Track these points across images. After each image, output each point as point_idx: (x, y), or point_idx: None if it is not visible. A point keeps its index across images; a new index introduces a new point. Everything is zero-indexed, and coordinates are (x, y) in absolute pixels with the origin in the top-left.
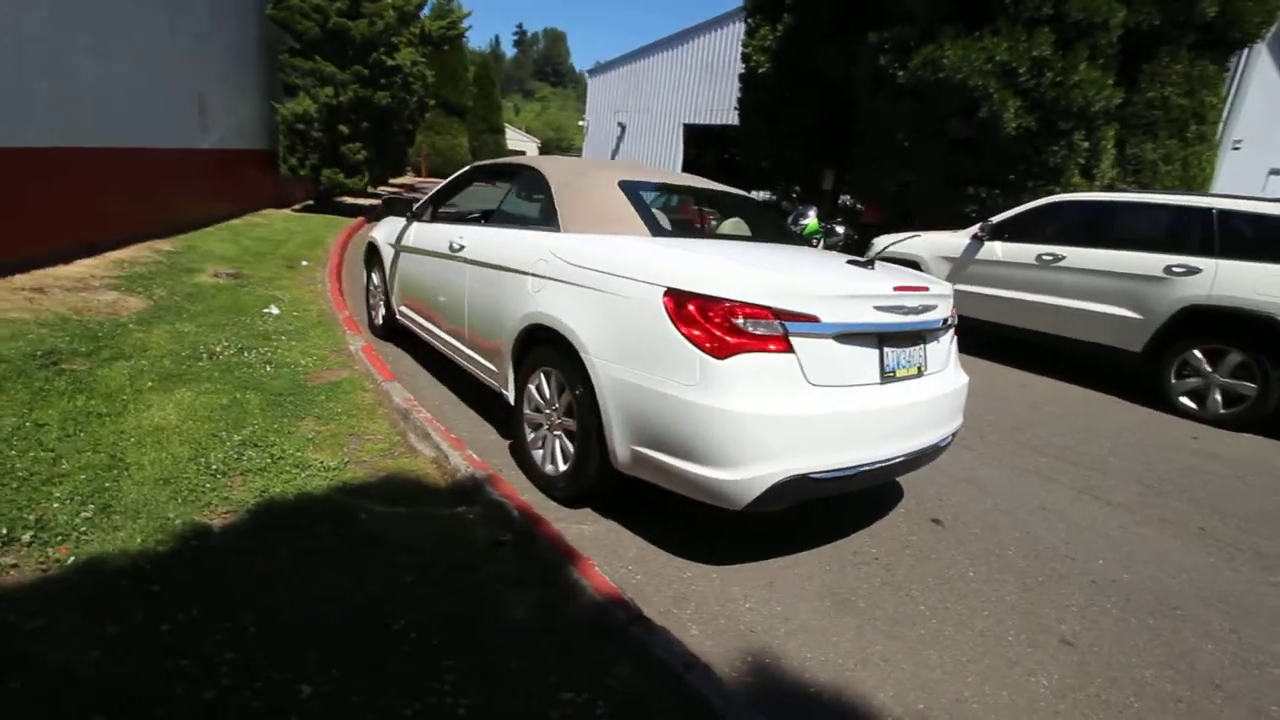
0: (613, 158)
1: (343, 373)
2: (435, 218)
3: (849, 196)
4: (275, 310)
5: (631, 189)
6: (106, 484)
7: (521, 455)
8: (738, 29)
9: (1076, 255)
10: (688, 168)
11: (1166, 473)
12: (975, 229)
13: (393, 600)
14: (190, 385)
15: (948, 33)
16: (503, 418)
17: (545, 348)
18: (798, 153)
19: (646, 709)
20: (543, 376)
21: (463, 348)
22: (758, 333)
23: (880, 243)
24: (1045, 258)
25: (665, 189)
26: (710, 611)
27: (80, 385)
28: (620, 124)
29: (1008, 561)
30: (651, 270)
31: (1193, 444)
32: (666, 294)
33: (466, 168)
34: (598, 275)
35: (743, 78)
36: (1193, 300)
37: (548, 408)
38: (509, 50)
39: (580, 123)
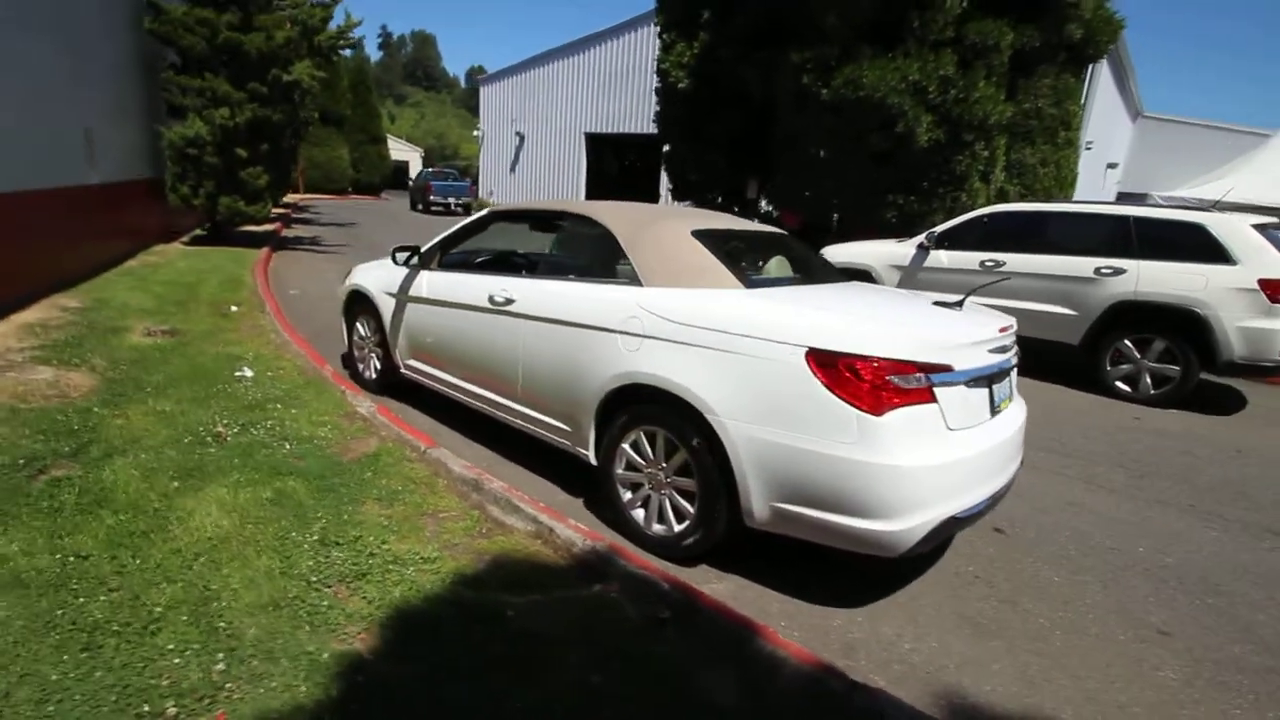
0: (512, 169)
1: (371, 442)
2: (451, 266)
3: (770, 204)
4: (248, 372)
5: (708, 239)
6: (215, 623)
7: (617, 516)
8: (638, 38)
9: (1016, 260)
10: (591, 177)
11: (1137, 454)
12: (921, 238)
13: (597, 707)
14: (217, 479)
15: (865, 53)
16: (568, 474)
17: (647, 406)
18: (722, 164)
19: None
20: (643, 436)
21: (515, 405)
22: (909, 387)
23: (831, 252)
24: (987, 263)
25: (730, 235)
26: (880, 659)
27: (93, 496)
28: (519, 134)
29: (1076, 561)
30: (787, 329)
31: (1140, 424)
32: (809, 354)
33: (484, 212)
34: (718, 335)
35: (661, 92)
36: (1121, 297)
37: (651, 467)
38: (374, 53)
39: (475, 132)
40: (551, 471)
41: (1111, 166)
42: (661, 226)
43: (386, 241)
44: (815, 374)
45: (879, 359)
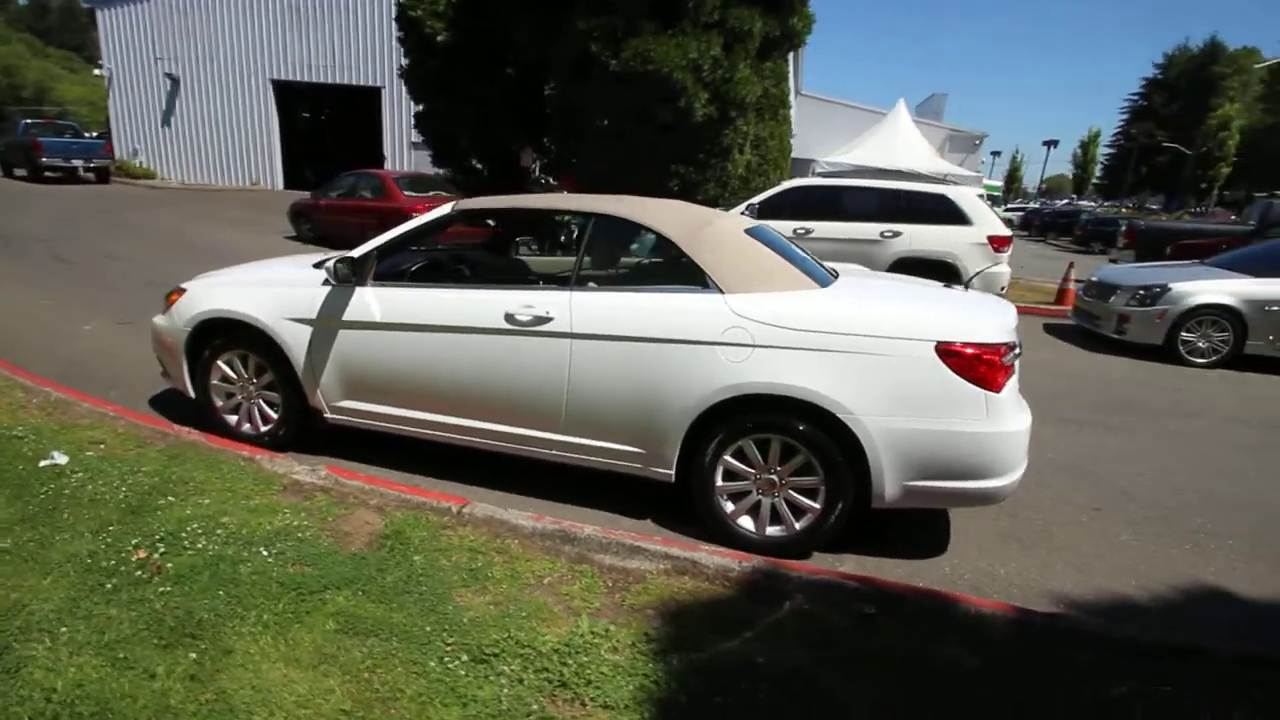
0: (165, 121)
1: (368, 517)
2: (409, 280)
3: (546, 172)
4: (61, 459)
5: (765, 238)
6: None
7: (717, 527)
8: None
9: (821, 227)
10: (289, 134)
11: (1064, 390)
12: (744, 209)
13: (899, 709)
14: (233, 629)
15: (649, 28)
16: (616, 499)
17: (756, 415)
18: (493, 128)
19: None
20: (751, 445)
21: (553, 437)
22: (1009, 364)
23: None
24: (799, 231)
25: (756, 231)
26: (1005, 586)
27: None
28: (170, 76)
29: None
30: (914, 328)
31: None
32: (937, 346)
33: (445, 209)
34: (840, 338)
35: (408, 43)
36: (901, 254)
37: (762, 473)
38: None
39: (96, 71)
40: (598, 499)
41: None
42: (717, 228)
43: (25, 231)
44: (945, 364)
45: (995, 344)
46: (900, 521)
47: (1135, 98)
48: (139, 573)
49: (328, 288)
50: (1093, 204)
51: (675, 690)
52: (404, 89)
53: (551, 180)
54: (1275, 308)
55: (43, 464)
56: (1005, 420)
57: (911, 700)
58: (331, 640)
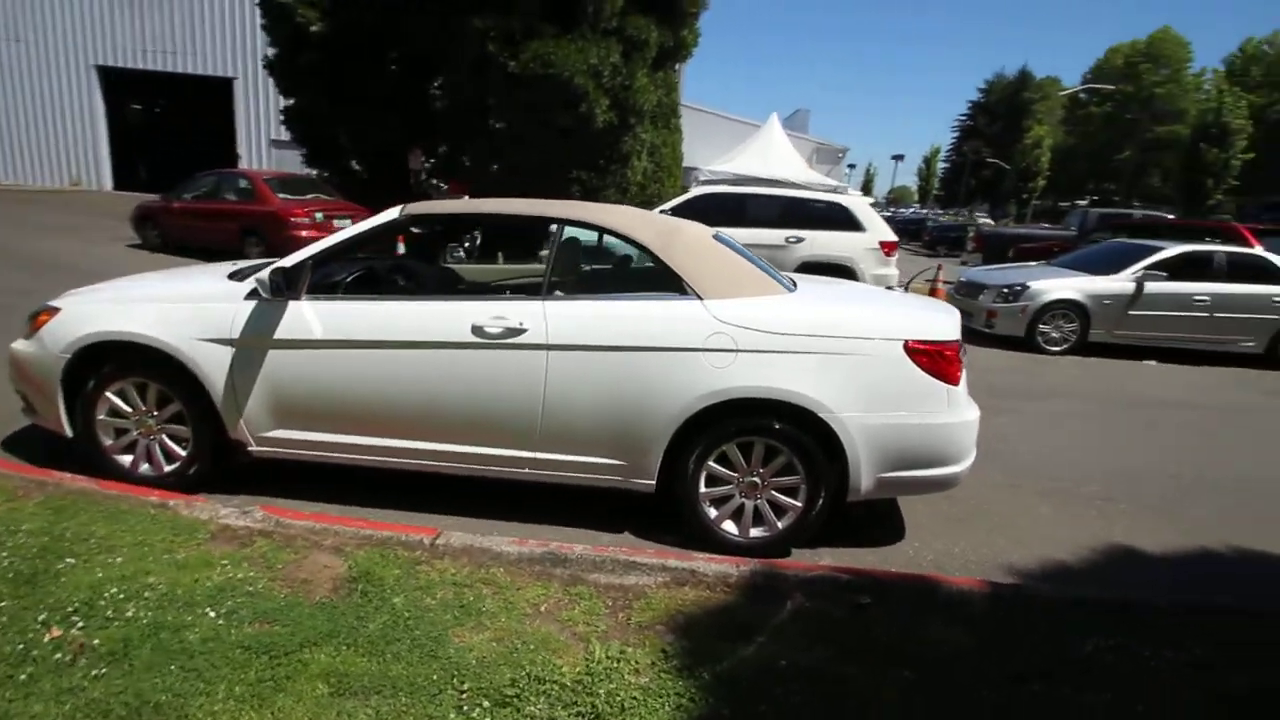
0: None
1: (326, 561)
2: (350, 292)
3: (434, 176)
4: None
5: (730, 245)
6: None
7: (703, 533)
8: None
9: (729, 234)
10: (115, 125)
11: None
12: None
13: (915, 692)
14: (208, 707)
15: (548, 31)
16: (587, 514)
17: (738, 419)
18: (377, 128)
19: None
20: (735, 449)
21: (525, 454)
22: (962, 359)
23: None
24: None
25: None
26: (964, 563)
27: None
28: None
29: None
30: (885, 328)
31: None
32: (905, 345)
33: (392, 214)
34: (819, 340)
35: (275, 31)
36: (804, 258)
37: (745, 476)
38: None
39: None
40: (545, 515)
41: None
42: (689, 234)
43: None
44: (913, 360)
45: (952, 341)
46: (861, 513)
47: (964, 118)
48: (58, 655)
49: (253, 302)
50: (927, 212)
51: (713, 705)
52: (260, 81)
53: (442, 185)
54: (1109, 301)
55: None
56: (962, 410)
57: (927, 682)
58: (328, 705)
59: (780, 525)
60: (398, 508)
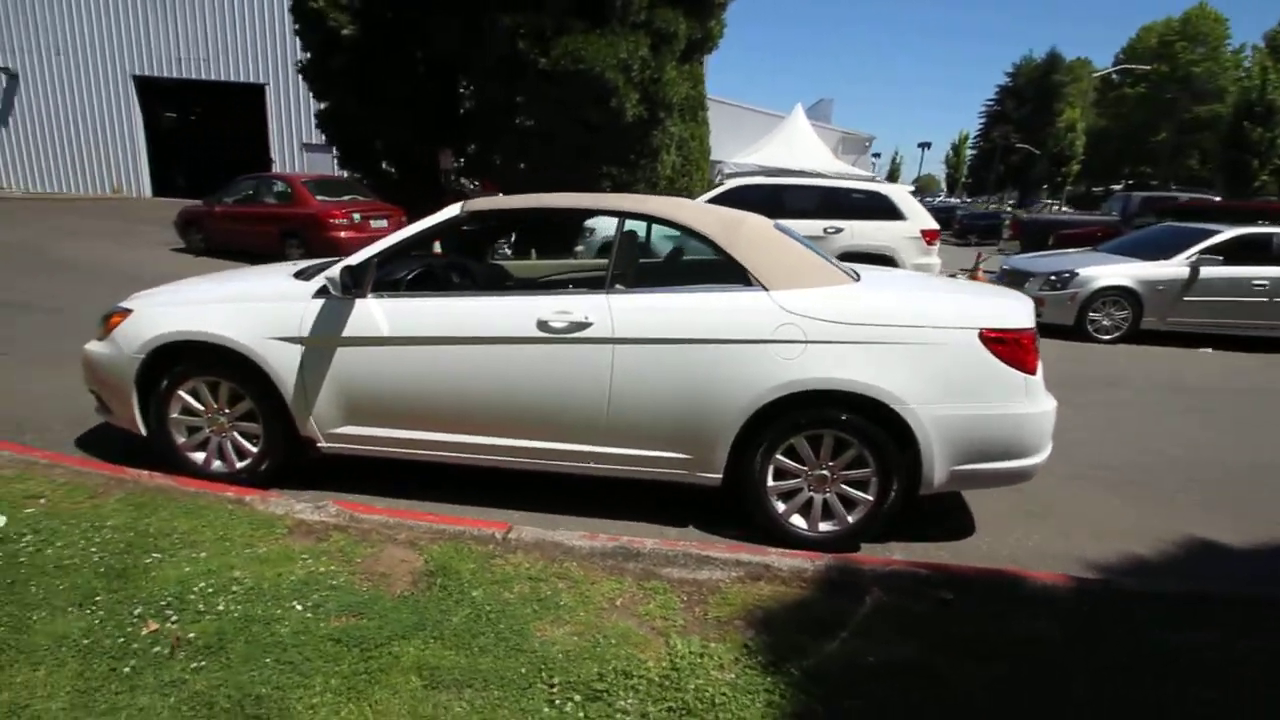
0: (1, 120)
1: (402, 554)
2: (415, 289)
3: (466, 175)
4: None
5: (792, 235)
6: None
7: (770, 527)
8: None
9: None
10: (153, 133)
11: None
12: None
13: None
14: (309, 697)
15: (577, 26)
16: (647, 508)
17: (808, 411)
18: (408, 129)
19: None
20: (803, 441)
21: (590, 449)
22: (1037, 347)
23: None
24: None
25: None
26: (1039, 556)
27: None
28: (6, 71)
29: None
30: (958, 316)
31: None
32: (981, 334)
33: (453, 210)
34: (891, 329)
35: (307, 35)
36: (844, 248)
37: (815, 470)
38: None
39: None
40: (606, 509)
41: None
42: (752, 225)
43: None
44: (989, 349)
45: (1029, 329)
46: (928, 506)
47: (991, 103)
48: (156, 649)
49: (321, 301)
50: (956, 200)
51: (804, 701)
52: (291, 86)
53: (475, 184)
54: (1162, 287)
55: None
56: (1040, 400)
57: (1019, 675)
58: (423, 699)
59: (850, 519)
60: (465, 502)
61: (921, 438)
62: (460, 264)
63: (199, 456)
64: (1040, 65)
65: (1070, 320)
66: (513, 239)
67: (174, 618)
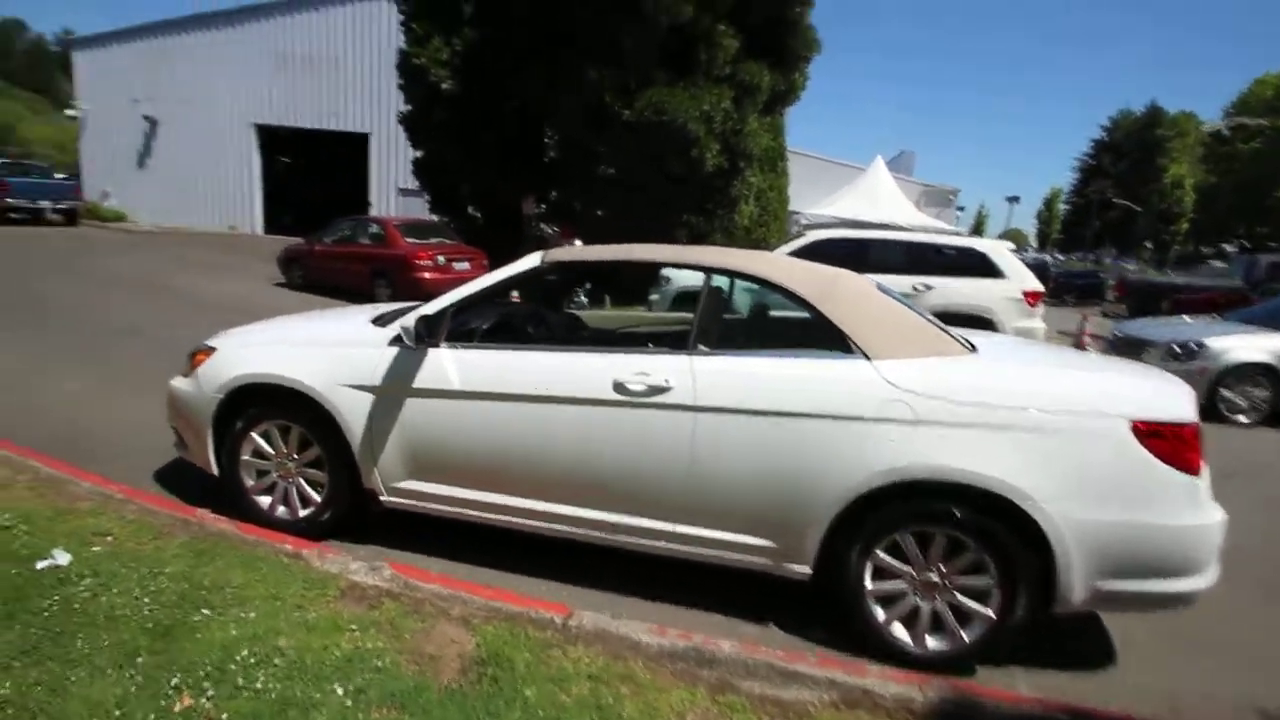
0: (140, 162)
1: (453, 634)
2: (488, 340)
3: (546, 222)
4: (63, 559)
5: (895, 296)
6: None
7: (869, 638)
8: (326, 20)
9: (887, 284)
10: (270, 179)
11: None
12: None
13: None
14: None
15: (661, 79)
16: (721, 593)
17: (915, 503)
18: (496, 177)
19: None
20: (909, 539)
21: (662, 526)
22: (1202, 444)
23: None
24: None
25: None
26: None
27: None
28: (149, 118)
29: None
30: (1104, 401)
31: None
32: (1134, 425)
33: (533, 260)
34: (1024, 413)
35: (411, 90)
36: (934, 308)
37: (924, 572)
38: None
39: (70, 112)
40: (677, 591)
41: None
42: (849, 284)
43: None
44: (1143, 445)
45: (1190, 422)
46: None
47: (1085, 157)
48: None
49: (395, 349)
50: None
51: None
52: (392, 135)
53: (554, 230)
54: None
55: (40, 565)
56: (1205, 509)
57: None
58: None
59: (965, 636)
60: (526, 569)
61: (1057, 545)
62: (536, 313)
63: (265, 500)
64: (1140, 119)
65: (1201, 398)
66: (589, 286)
67: (210, 692)
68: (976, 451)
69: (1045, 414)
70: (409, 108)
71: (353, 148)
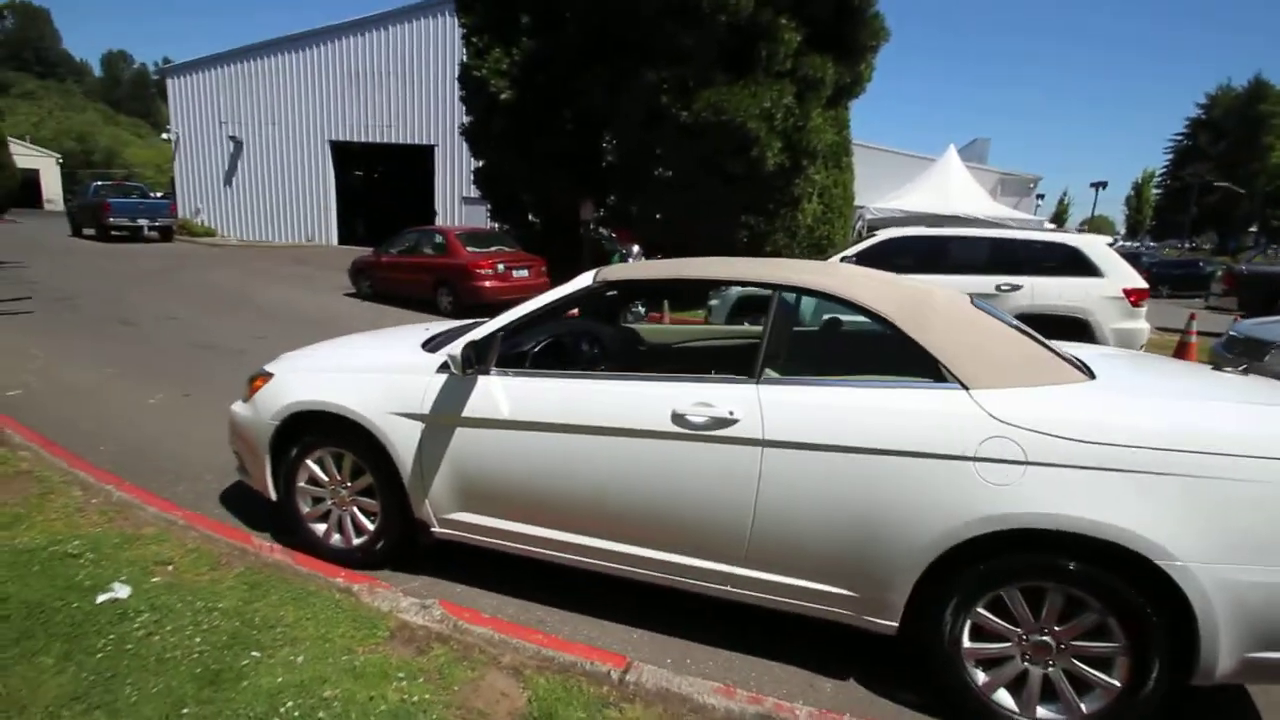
0: (227, 181)
1: (507, 688)
2: (539, 367)
3: (605, 227)
4: (123, 592)
5: (996, 315)
6: None
7: (969, 706)
8: (387, 37)
9: (927, 282)
10: (343, 192)
11: None
12: (837, 260)
13: None
14: None
15: (720, 79)
16: (799, 644)
17: (1021, 555)
18: (554, 183)
19: None
20: (1017, 595)
21: (731, 570)
22: None
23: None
24: None
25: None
26: None
27: None
28: (233, 139)
29: None
30: (1264, 438)
31: None
32: None
33: (585, 280)
34: (1159, 454)
35: (471, 101)
36: (1021, 309)
37: (1035, 634)
38: None
39: (165, 135)
40: (749, 641)
41: None
42: (941, 302)
43: (91, 290)
44: None
45: None
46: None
47: (1180, 138)
48: None
49: (444, 376)
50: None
51: None
52: (456, 146)
53: (611, 234)
54: None
55: (100, 599)
56: None
57: None
58: None
59: (1084, 708)
60: (579, 608)
61: (1201, 609)
62: (590, 330)
63: (320, 528)
64: (1242, 95)
65: None
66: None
67: None
68: (1102, 498)
69: (1184, 454)
70: (470, 119)
71: (419, 159)
